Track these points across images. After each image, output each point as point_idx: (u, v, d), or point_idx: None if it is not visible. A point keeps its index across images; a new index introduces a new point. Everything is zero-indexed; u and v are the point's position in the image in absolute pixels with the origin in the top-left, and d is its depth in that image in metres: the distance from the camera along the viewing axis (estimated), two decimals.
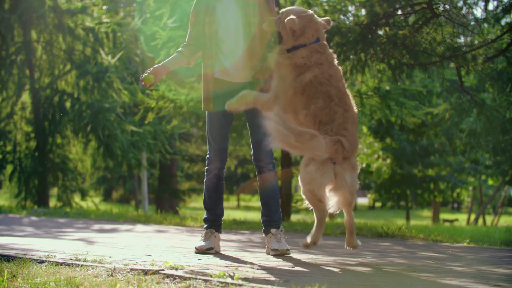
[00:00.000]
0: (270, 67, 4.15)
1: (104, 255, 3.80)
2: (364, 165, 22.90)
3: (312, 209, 3.95)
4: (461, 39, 7.09)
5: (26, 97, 14.33)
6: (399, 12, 6.78)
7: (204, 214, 4.56)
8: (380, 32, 6.91)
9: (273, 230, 4.27)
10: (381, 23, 6.76)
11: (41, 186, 13.71)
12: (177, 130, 15.56)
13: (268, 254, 4.27)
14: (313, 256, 4.30)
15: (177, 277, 3.03)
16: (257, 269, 3.41)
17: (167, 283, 2.96)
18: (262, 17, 4.23)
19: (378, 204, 35.11)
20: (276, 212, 4.32)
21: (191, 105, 8.88)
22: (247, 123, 4.39)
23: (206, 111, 4.37)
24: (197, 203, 31.94)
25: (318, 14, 8.56)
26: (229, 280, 2.92)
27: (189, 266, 3.41)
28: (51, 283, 2.94)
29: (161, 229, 6.95)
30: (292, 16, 3.94)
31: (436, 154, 22.30)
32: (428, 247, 5.49)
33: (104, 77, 13.46)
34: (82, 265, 3.35)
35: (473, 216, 24.67)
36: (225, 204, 37.06)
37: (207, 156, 4.41)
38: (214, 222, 4.41)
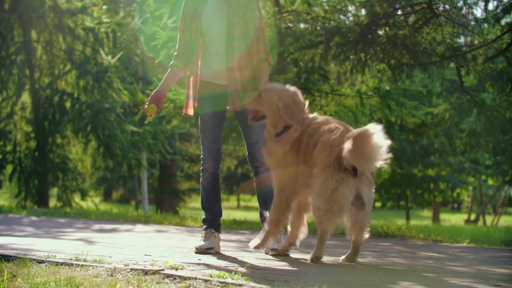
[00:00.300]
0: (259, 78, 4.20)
1: (104, 255, 3.80)
2: None
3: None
4: (461, 39, 7.10)
5: (26, 97, 14.33)
6: (399, 12, 6.79)
7: (202, 215, 4.56)
8: (380, 32, 6.91)
9: None
10: (381, 23, 6.76)
11: (41, 186, 13.71)
12: (177, 130, 15.56)
13: (268, 254, 4.27)
14: None
15: (177, 277, 3.03)
16: (257, 269, 3.41)
17: (167, 283, 2.96)
18: (246, 16, 4.23)
19: (378, 204, 35.11)
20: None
21: None
22: (239, 126, 4.40)
23: (199, 114, 4.40)
24: (197, 203, 31.92)
25: (318, 14, 8.59)
26: (229, 280, 2.92)
27: (189, 266, 3.41)
28: (51, 283, 2.94)
29: (161, 229, 6.96)
30: (287, 100, 3.93)
31: (436, 154, 22.30)
32: (428, 247, 5.49)
33: (104, 77, 13.46)
34: (82, 265, 3.35)
35: (473, 216, 24.67)
36: (225, 204, 37.18)
37: (201, 156, 4.42)
38: (213, 222, 4.42)
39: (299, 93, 4.05)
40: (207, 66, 4.33)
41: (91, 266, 3.32)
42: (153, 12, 11.41)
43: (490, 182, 27.18)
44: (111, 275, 3.13)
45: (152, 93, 4.32)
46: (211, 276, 3.02)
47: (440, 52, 6.66)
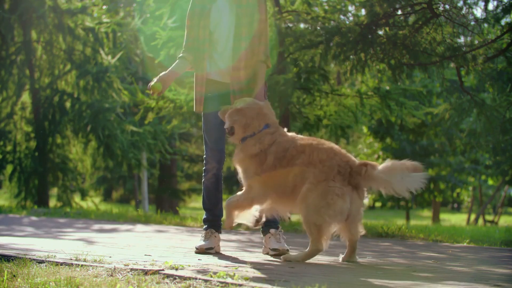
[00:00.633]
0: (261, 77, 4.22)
1: (104, 255, 3.80)
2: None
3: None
4: (461, 39, 7.09)
5: (26, 97, 14.33)
6: (399, 12, 6.78)
7: (203, 214, 4.56)
8: (380, 32, 6.91)
9: (272, 230, 4.27)
10: (381, 23, 6.76)
11: (41, 186, 13.71)
12: (177, 130, 15.57)
13: (266, 254, 4.27)
14: None
15: (177, 277, 3.03)
16: (257, 269, 3.41)
17: (167, 283, 2.96)
18: (253, 17, 4.24)
19: (378, 204, 35.10)
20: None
21: (191, 105, 8.87)
22: None
23: (202, 114, 4.38)
24: (197, 203, 31.90)
25: (318, 14, 8.59)
26: (229, 280, 2.92)
27: (189, 266, 3.41)
28: (51, 283, 2.94)
29: (161, 229, 6.95)
30: (241, 107, 4.01)
31: (436, 154, 22.28)
32: (428, 247, 5.49)
33: (104, 77, 13.46)
34: (82, 265, 3.35)
35: (473, 216, 24.66)
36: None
37: (204, 156, 4.41)
38: (213, 223, 4.41)
39: (263, 105, 4.08)
40: (213, 63, 4.32)
41: (91, 266, 3.32)
42: (153, 12, 11.41)
43: (490, 182, 27.15)
44: (111, 275, 3.13)
45: (160, 74, 4.29)
46: (211, 276, 3.02)
47: (440, 52, 6.66)
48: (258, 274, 3.21)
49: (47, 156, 13.84)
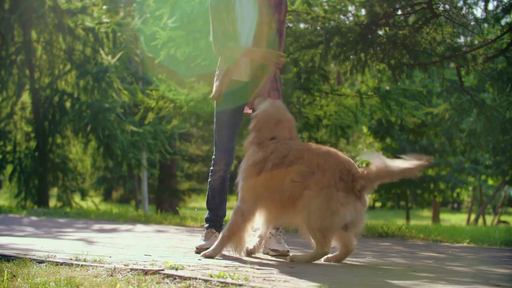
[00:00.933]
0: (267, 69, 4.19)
1: (104, 255, 3.79)
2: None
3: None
4: (461, 39, 7.09)
5: (26, 97, 14.33)
6: (399, 12, 6.78)
7: (205, 213, 4.55)
8: (380, 32, 6.91)
9: (272, 231, 4.27)
10: (381, 23, 6.76)
11: (41, 186, 13.71)
12: (177, 130, 15.56)
13: (266, 254, 4.27)
14: None
15: (177, 277, 3.03)
16: (257, 269, 3.41)
17: (167, 283, 2.96)
18: (274, 17, 4.24)
19: (378, 204, 35.09)
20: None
21: (191, 105, 8.88)
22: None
23: (216, 112, 4.34)
24: (197, 203, 31.89)
25: (318, 14, 8.59)
26: (229, 280, 2.92)
27: (189, 266, 3.41)
28: (51, 283, 2.94)
29: (161, 229, 6.95)
30: (258, 113, 4.00)
31: (436, 154, 22.28)
32: (428, 247, 5.49)
33: (104, 77, 13.46)
34: (82, 265, 3.35)
35: (473, 216, 24.66)
36: (226, 204, 37.06)
37: (213, 157, 4.39)
38: (215, 223, 4.41)
39: (280, 113, 4.01)
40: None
41: (91, 266, 3.32)
42: (153, 12, 11.39)
43: (490, 182, 27.15)
44: (111, 275, 3.13)
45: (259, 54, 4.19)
46: (211, 276, 3.02)
47: (440, 52, 6.66)
48: (258, 274, 3.21)
49: (47, 156, 13.84)
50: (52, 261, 3.48)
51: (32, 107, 13.95)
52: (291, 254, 4.21)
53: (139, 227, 7.30)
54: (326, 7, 8.95)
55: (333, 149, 3.86)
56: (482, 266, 4.03)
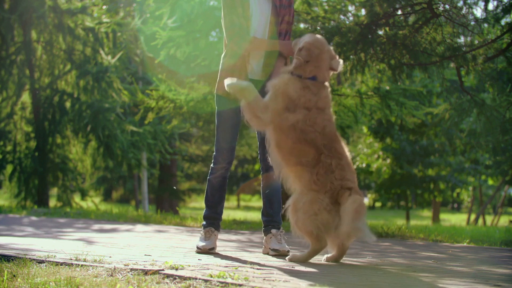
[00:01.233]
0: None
1: (104, 255, 3.80)
2: (364, 165, 22.90)
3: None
4: (461, 39, 7.09)
5: (26, 97, 14.32)
6: (399, 12, 6.78)
7: (204, 211, 4.54)
8: (380, 32, 6.91)
9: (273, 231, 4.26)
10: (381, 23, 6.76)
11: (41, 186, 13.71)
12: (177, 130, 15.56)
13: (266, 254, 4.27)
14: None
15: (177, 277, 3.03)
16: (257, 269, 3.41)
17: (167, 283, 2.96)
18: (284, 18, 4.28)
19: (378, 204, 35.09)
20: (278, 213, 4.32)
21: (191, 105, 8.88)
22: None
23: (217, 113, 4.33)
24: (197, 203, 31.91)
25: (318, 14, 8.59)
26: (229, 280, 2.92)
27: (189, 266, 3.41)
28: (51, 283, 2.94)
29: (161, 229, 6.95)
30: (300, 45, 3.96)
31: (436, 154, 22.29)
32: (428, 247, 5.49)
33: (104, 77, 13.46)
34: (82, 265, 3.35)
35: (473, 216, 24.66)
36: (225, 204, 37.09)
37: (214, 155, 4.37)
38: (214, 221, 4.41)
39: (325, 50, 3.98)
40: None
41: (91, 266, 3.32)
42: (153, 12, 11.39)
43: (490, 182, 27.16)
44: (111, 275, 3.13)
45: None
46: (211, 276, 3.02)
47: (440, 52, 6.66)
48: (258, 274, 3.21)
49: (47, 156, 13.84)
50: (52, 261, 3.48)
51: (32, 107, 13.95)
52: (291, 254, 4.21)
53: (139, 227, 7.30)
54: (326, 7, 8.95)
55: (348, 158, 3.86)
56: (482, 266, 4.03)
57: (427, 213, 32.73)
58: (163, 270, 3.18)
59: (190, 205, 29.66)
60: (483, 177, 25.01)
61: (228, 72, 4.25)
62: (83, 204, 16.05)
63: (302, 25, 8.97)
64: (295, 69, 3.93)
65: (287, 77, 3.93)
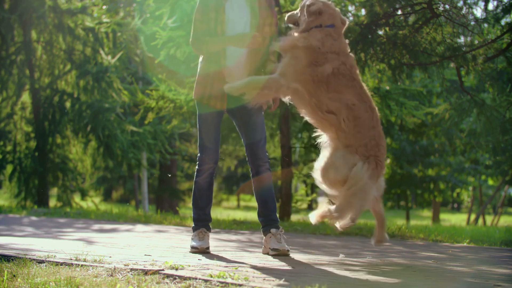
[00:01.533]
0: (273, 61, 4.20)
1: (104, 255, 3.80)
2: None
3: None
4: (461, 39, 7.09)
5: (26, 97, 14.32)
6: (399, 12, 6.79)
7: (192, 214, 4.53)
8: (380, 32, 6.91)
9: (273, 230, 4.26)
10: (381, 23, 6.76)
11: (41, 186, 13.70)
12: (177, 130, 15.56)
13: (266, 254, 4.27)
14: (313, 256, 4.30)
15: (177, 277, 3.03)
16: (257, 269, 3.41)
17: (167, 283, 2.96)
18: (264, 20, 4.25)
19: None
20: (274, 211, 4.32)
21: (191, 105, 8.88)
22: (238, 127, 4.36)
23: (199, 115, 4.35)
24: None
25: None
26: (229, 280, 2.92)
27: (189, 266, 3.41)
28: (51, 283, 2.94)
29: (161, 229, 6.95)
30: (307, 2, 4.00)
31: (436, 154, 22.28)
32: (428, 247, 5.49)
33: (104, 77, 13.46)
34: (82, 265, 3.35)
35: (473, 216, 24.67)
36: (225, 204, 37.07)
37: (199, 156, 4.37)
38: (205, 222, 4.41)
39: (332, 5, 4.04)
40: (222, 61, 4.29)
41: (91, 266, 3.32)
42: (153, 12, 11.39)
43: (490, 182, 27.16)
44: (111, 275, 3.13)
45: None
46: (211, 276, 3.02)
47: (440, 52, 6.66)
48: (258, 274, 3.21)
49: (47, 156, 13.84)
50: (52, 261, 3.48)
51: (32, 107, 13.95)
52: (290, 253, 4.20)
53: (139, 227, 7.30)
54: None
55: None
56: (482, 266, 4.03)
57: (427, 213, 32.73)
58: (163, 270, 3.18)
59: (190, 205, 29.61)
60: (483, 177, 25.01)
61: (203, 77, 4.28)
62: (83, 204, 16.05)
63: None
64: (311, 22, 3.93)
65: (301, 34, 3.94)
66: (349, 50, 3.97)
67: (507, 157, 16.92)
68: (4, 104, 14.17)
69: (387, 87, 9.40)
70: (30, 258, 3.58)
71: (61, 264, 3.43)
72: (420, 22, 6.67)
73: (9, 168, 14.22)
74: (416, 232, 6.66)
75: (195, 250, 4.27)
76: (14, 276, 3.14)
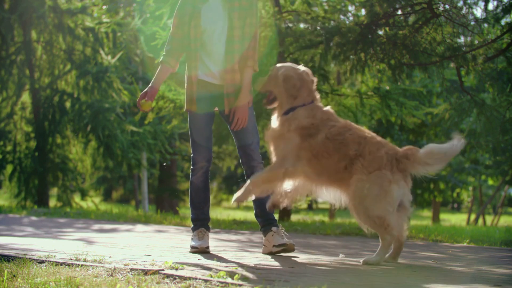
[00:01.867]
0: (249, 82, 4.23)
1: (104, 255, 3.80)
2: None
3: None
4: (461, 39, 7.10)
5: (26, 97, 14.32)
6: (399, 12, 6.79)
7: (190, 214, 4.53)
8: (380, 32, 6.92)
9: (274, 228, 4.26)
10: (381, 23, 6.77)
11: (41, 186, 13.70)
12: (177, 130, 15.54)
13: (266, 254, 4.26)
14: (313, 256, 4.30)
15: (177, 277, 3.03)
16: (257, 269, 3.41)
17: (167, 283, 2.96)
18: (245, 21, 4.23)
19: None
20: (272, 211, 4.32)
21: None
22: (230, 130, 4.36)
23: (189, 113, 4.36)
24: None
25: (318, 14, 8.59)
26: (229, 280, 2.92)
27: (189, 266, 3.41)
28: (51, 283, 2.94)
29: (161, 229, 6.95)
30: (290, 73, 4.00)
31: None
32: (428, 247, 5.49)
33: (104, 77, 13.46)
34: (82, 265, 3.35)
35: (473, 216, 24.67)
36: (225, 204, 37.07)
37: (192, 156, 4.38)
38: (204, 222, 4.42)
39: (309, 73, 4.08)
40: (202, 64, 4.30)
41: (91, 266, 3.32)
42: (153, 12, 11.40)
43: (490, 182, 27.15)
44: (111, 275, 3.13)
45: (146, 89, 4.36)
46: (211, 276, 3.02)
47: (440, 52, 6.66)
48: (258, 274, 3.21)
49: (47, 156, 13.84)
50: (52, 261, 3.48)
51: (32, 107, 13.94)
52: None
53: (139, 227, 7.30)
54: (326, 7, 8.95)
55: (382, 139, 3.92)
56: (482, 266, 4.03)
57: (427, 213, 32.73)
58: (163, 270, 3.18)
59: (189, 205, 29.62)
60: (483, 177, 25.00)
61: (187, 84, 4.36)
62: (83, 204, 16.05)
63: (302, 25, 8.98)
64: (293, 102, 3.96)
65: (286, 117, 3.96)
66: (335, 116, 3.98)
67: (507, 157, 16.93)
68: (4, 104, 14.17)
69: (387, 87, 9.41)
70: (30, 258, 3.57)
71: (61, 264, 3.43)
72: (420, 22, 6.68)
73: (9, 168, 14.22)
74: (416, 232, 6.66)
75: (195, 250, 4.26)
76: (14, 276, 3.14)
